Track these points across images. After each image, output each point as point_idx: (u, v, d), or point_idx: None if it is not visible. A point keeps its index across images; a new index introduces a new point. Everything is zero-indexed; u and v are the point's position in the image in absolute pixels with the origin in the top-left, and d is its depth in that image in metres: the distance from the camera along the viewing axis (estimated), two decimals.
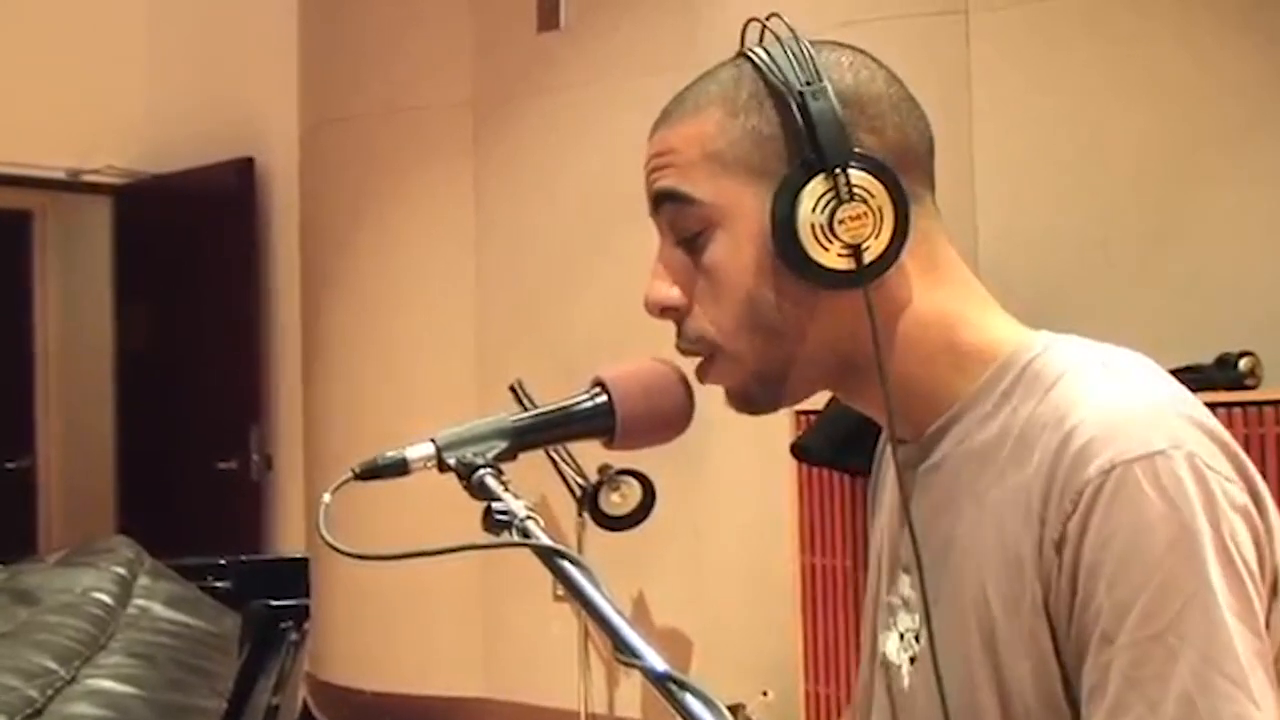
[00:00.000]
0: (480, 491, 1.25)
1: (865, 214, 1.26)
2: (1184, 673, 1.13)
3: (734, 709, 5.25)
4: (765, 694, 5.21)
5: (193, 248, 7.66)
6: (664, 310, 1.37)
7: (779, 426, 4.66)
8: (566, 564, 1.16)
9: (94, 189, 8.08)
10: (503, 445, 1.30)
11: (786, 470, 4.76)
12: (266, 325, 7.54)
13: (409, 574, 6.29)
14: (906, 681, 1.37)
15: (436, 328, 6.56)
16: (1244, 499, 1.20)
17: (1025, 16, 4.82)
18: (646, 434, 1.35)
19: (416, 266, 6.60)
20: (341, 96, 6.85)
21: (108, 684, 1.47)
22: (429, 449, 1.27)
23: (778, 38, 1.33)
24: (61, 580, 1.94)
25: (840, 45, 1.37)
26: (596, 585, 1.14)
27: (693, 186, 1.32)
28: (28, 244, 9.09)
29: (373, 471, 1.27)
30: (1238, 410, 3.75)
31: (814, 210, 1.26)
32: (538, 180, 6.24)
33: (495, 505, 1.23)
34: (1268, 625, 1.19)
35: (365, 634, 6.70)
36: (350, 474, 1.27)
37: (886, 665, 1.40)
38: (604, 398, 1.34)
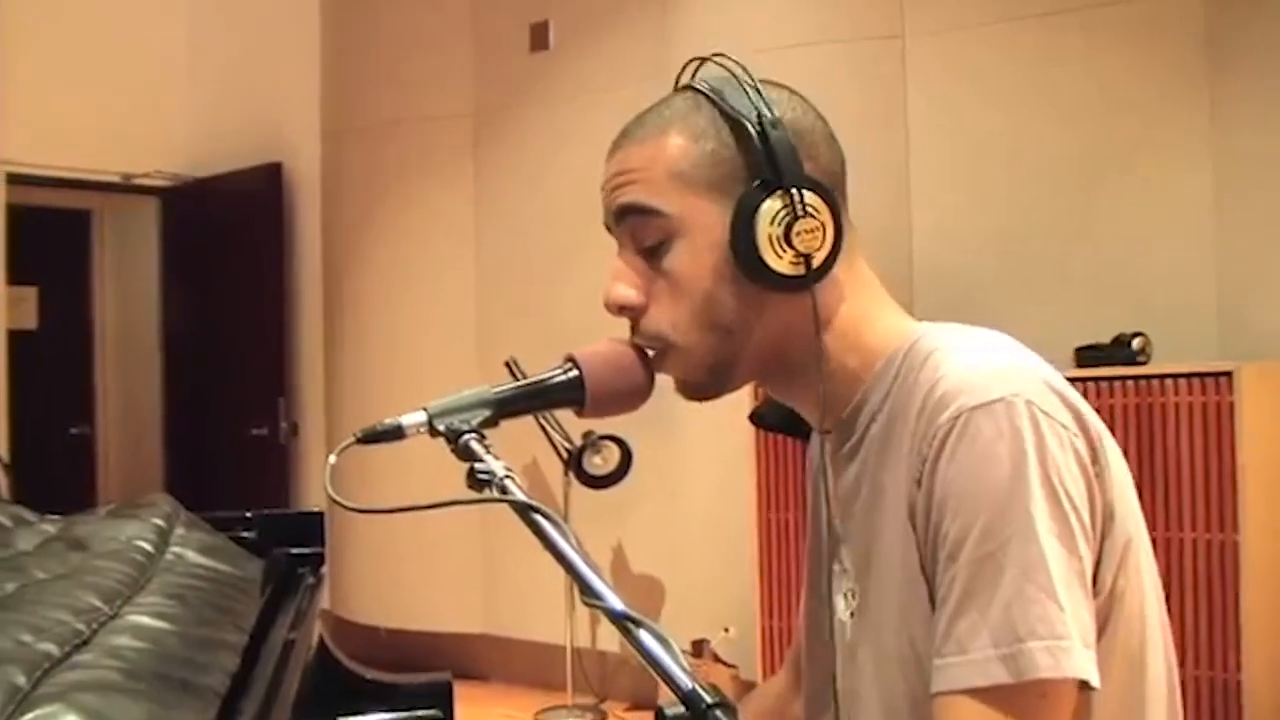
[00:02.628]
0: (465, 454, 1.24)
1: (817, 228, 1.28)
2: (1006, 584, 1.17)
3: (700, 643, 5.27)
4: (727, 630, 5.23)
5: (229, 242, 7.64)
6: (622, 309, 1.37)
7: (740, 398, 4.67)
8: (539, 517, 1.14)
9: (143, 191, 8.06)
10: (486, 413, 1.29)
11: (747, 437, 4.77)
12: (292, 309, 7.53)
13: (419, 528, 6.31)
14: (850, 635, 1.39)
15: (441, 312, 6.56)
16: (1077, 442, 1.23)
17: (954, 42, 4.83)
18: (612, 404, 1.35)
19: (424, 258, 6.60)
20: (358, 109, 6.84)
21: (146, 620, 1.47)
22: (421, 417, 1.26)
23: (732, 73, 1.33)
24: (109, 530, 1.94)
25: (774, 84, 1.36)
26: (565, 536, 1.13)
27: (658, 201, 1.33)
28: (87, 239, 9.14)
29: (373, 436, 1.25)
30: (1130, 382, 3.77)
31: (771, 223, 1.27)
32: (530, 181, 6.24)
33: (478, 466, 1.22)
34: (1100, 554, 1.24)
35: (381, 580, 6.72)
36: (353, 438, 1.25)
37: (839, 623, 1.41)
38: (575, 372, 1.33)
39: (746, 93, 1.31)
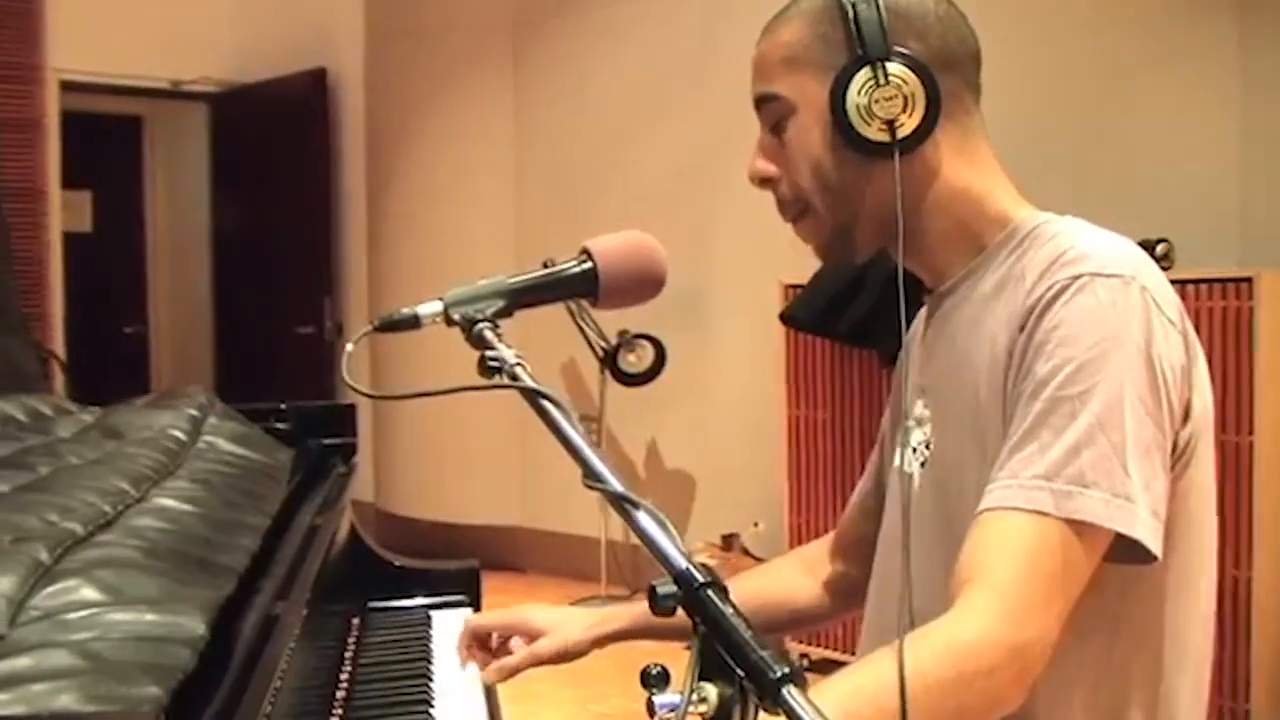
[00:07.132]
0: (478, 342, 1.22)
1: (897, 96, 1.34)
2: (1079, 429, 1.21)
3: (730, 537, 5.29)
4: (757, 525, 5.24)
5: (275, 146, 7.66)
6: (762, 181, 1.45)
7: (771, 298, 4.65)
8: (546, 402, 1.12)
9: (192, 97, 8.09)
10: (501, 303, 1.27)
11: (777, 336, 4.75)
12: (337, 212, 7.54)
13: (461, 426, 6.36)
14: (918, 484, 1.42)
15: (482, 214, 6.55)
16: (1178, 338, 1.27)
17: None
18: (625, 295, 1.32)
19: (465, 162, 6.57)
20: (401, 14, 6.78)
21: (170, 502, 1.48)
22: (437, 306, 1.25)
23: None
24: (143, 419, 1.95)
25: None
26: (570, 420, 1.12)
27: (773, 86, 1.42)
28: (139, 145, 9.18)
29: (390, 324, 1.25)
30: None
31: (859, 93, 1.34)
32: (570, 88, 6.19)
33: (489, 354, 1.19)
34: (1175, 448, 1.27)
35: (424, 475, 6.77)
36: (370, 326, 1.25)
37: (901, 475, 1.46)
38: (590, 264, 1.32)
39: None
